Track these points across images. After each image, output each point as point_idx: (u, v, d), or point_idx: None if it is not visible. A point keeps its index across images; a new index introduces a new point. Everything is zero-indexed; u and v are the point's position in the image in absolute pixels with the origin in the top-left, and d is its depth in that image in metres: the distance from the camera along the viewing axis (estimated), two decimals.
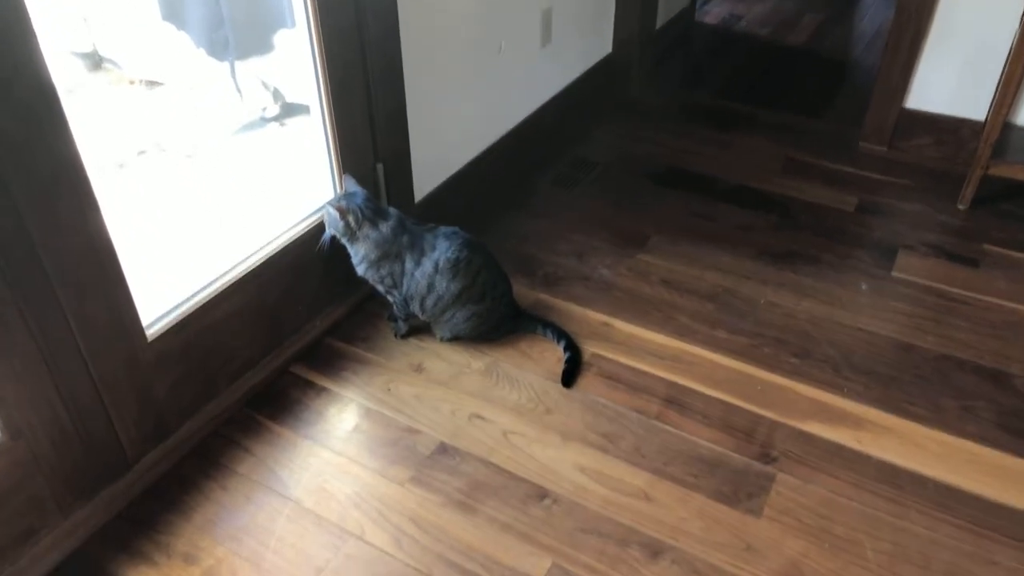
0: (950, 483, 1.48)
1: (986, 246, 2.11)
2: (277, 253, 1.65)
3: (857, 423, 1.61)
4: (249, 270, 1.60)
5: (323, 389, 1.68)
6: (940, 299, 1.93)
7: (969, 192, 2.24)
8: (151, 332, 1.41)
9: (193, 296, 1.51)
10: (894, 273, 2.02)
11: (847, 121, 2.70)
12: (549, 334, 1.80)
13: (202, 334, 1.52)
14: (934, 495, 1.46)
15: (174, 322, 1.45)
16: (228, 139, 2.69)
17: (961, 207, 2.27)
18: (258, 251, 1.64)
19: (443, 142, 2.06)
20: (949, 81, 2.37)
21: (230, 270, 1.59)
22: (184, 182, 2.41)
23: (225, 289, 1.55)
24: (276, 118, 2.76)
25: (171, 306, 1.47)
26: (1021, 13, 2.15)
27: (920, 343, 1.80)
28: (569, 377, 1.70)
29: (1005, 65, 2.20)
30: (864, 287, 1.97)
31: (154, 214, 2.23)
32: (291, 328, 1.74)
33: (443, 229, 1.71)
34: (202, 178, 2.44)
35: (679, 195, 2.34)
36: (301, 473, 1.50)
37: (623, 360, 1.75)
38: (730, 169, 2.46)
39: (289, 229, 1.71)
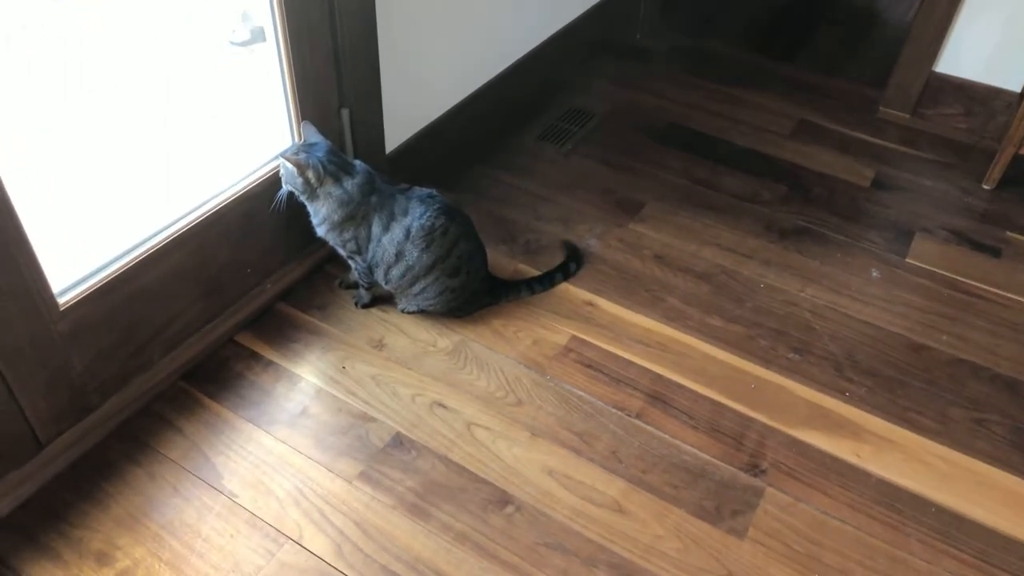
0: (955, 509, 1.34)
1: (1009, 234, 1.93)
2: (224, 207, 1.46)
3: (857, 433, 1.45)
4: (189, 227, 1.41)
5: (270, 363, 1.51)
6: (957, 292, 1.76)
7: (997, 172, 2.05)
8: (64, 300, 1.23)
9: (120, 257, 1.32)
10: (909, 260, 1.84)
11: (868, 81, 2.47)
12: (537, 287, 1.67)
13: (130, 300, 1.34)
14: (937, 522, 1.32)
15: (94, 288, 1.27)
16: (186, 65, 2.43)
17: (986, 187, 2.07)
18: (201, 205, 1.45)
19: (420, 86, 1.84)
20: (987, 45, 2.14)
21: (167, 227, 1.40)
22: (126, 115, 2.15)
23: (159, 249, 1.36)
24: (245, 43, 2.50)
25: (91, 270, 1.28)
26: None
27: (932, 343, 1.63)
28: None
29: None
30: (875, 274, 1.79)
31: (83, 157, 1.97)
32: (237, 292, 1.56)
33: (418, 191, 1.51)
34: (148, 112, 2.19)
35: (680, 157, 2.13)
36: (238, 462, 1.34)
37: (605, 346, 1.58)
38: (738, 129, 2.25)
39: (239, 181, 1.51)
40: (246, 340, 1.55)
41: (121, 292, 1.31)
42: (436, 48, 1.83)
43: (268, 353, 1.53)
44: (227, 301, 1.54)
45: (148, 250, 1.34)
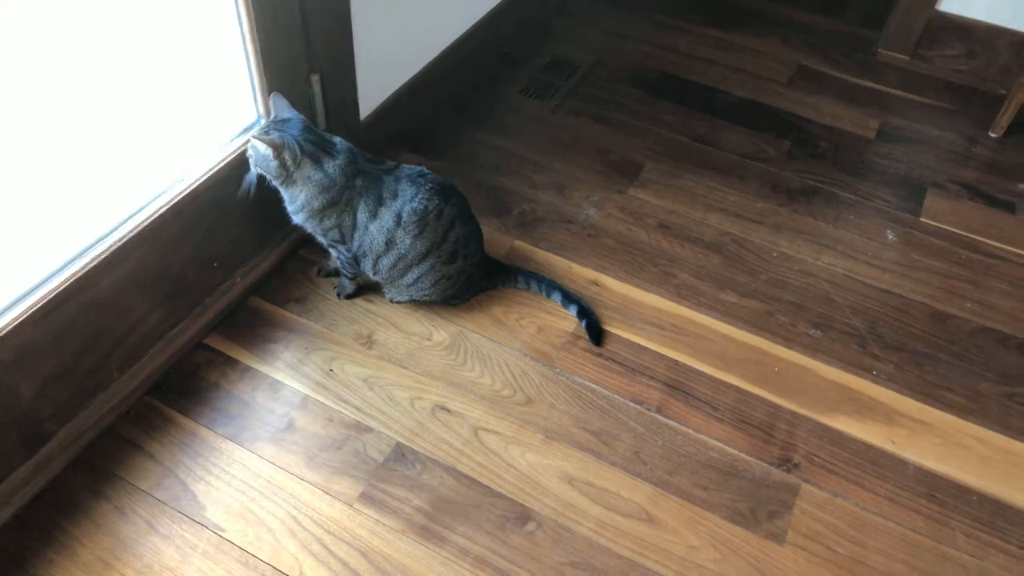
0: (997, 496, 1.27)
1: (1022, 186, 1.84)
2: (183, 198, 1.27)
3: (889, 416, 1.37)
4: (145, 224, 1.22)
5: (247, 368, 1.35)
6: (976, 254, 1.67)
7: (1005, 119, 1.95)
8: (1, 324, 1.04)
9: (64, 268, 1.13)
10: (923, 219, 1.74)
11: (866, 22, 2.32)
12: (534, 286, 1.48)
13: (82, 314, 1.15)
14: (980, 512, 1.25)
15: (35, 308, 1.08)
16: (131, 27, 2.14)
17: (993, 135, 1.97)
18: (157, 198, 1.25)
19: (393, 39, 1.63)
20: None
21: (118, 227, 1.20)
22: (61, 96, 1.86)
23: (111, 253, 1.17)
24: None
25: (27, 288, 1.09)
26: None
27: (956, 312, 1.54)
28: (597, 336, 1.43)
29: None
30: (891, 236, 1.69)
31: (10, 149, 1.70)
32: (204, 289, 1.38)
33: (407, 169, 1.34)
34: (89, 87, 1.90)
35: (676, 110, 1.98)
36: (221, 488, 1.19)
37: (617, 331, 1.45)
38: (735, 78, 2.10)
39: (200, 167, 1.31)
40: (217, 343, 1.38)
41: (69, 307, 1.13)
42: None
43: (244, 357, 1.36)
44: (192, 301, 1.36)
45: (98, 256, 1.15)
